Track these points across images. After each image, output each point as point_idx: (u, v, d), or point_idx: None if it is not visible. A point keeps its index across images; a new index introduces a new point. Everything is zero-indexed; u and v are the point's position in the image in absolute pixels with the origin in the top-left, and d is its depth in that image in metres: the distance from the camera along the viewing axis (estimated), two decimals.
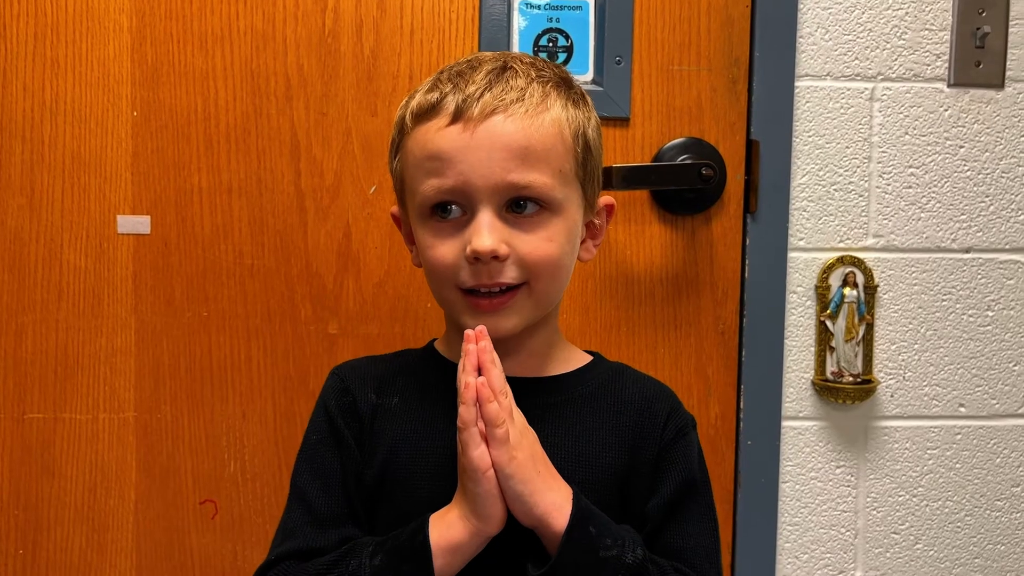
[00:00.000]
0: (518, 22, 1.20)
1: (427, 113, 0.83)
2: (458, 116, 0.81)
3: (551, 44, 1.21)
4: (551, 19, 1.21)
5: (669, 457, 0.88)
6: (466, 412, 0.77)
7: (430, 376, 0.91)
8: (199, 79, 1.16)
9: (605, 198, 0.92)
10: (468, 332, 0.80)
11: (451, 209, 0.83)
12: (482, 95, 0.81)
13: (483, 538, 0.79)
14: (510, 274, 0.82)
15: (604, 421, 0.88)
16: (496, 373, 0.79)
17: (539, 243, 0.82)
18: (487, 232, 0.80)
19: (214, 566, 1.21)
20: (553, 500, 0.78)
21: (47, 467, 1.18)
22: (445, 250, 0.83)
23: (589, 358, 0.94)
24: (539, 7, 1.20)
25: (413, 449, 0.86)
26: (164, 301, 1.18)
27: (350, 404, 0.89)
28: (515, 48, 1.20)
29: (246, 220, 1.18)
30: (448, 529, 0.78)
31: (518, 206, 0.82)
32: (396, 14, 1.18)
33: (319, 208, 1.18)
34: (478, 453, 0.76)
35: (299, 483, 0.89)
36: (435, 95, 0.83)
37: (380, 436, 0.88)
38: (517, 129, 0.81)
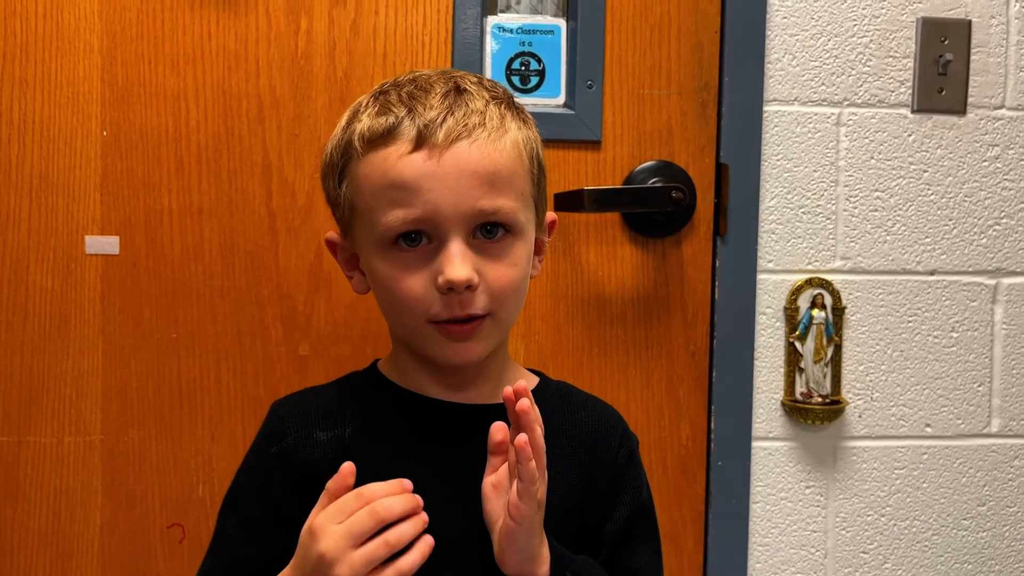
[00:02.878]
0: (490, 45, 1.21)
1: (383, 138, 0.80)
2: (421, 143, 0.79)
3: (523, 68, 1.22)
4: (523, 43, 1.22)
5: (623, 481, 0.90)
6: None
7: (385, 405, 0.88)
8: (170, 99, 1.16)
9: (549, 214, 0.92)
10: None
11: (418, 238, 0.81)
12: (444, 120, 0.79)
13: None
14: (480, 304, 0.81)
15: (561, 446, 0.87)
16: (540, 433, 0.76)
17: (505, 270, 0.82)
18: (460, 262, 0.79)
19: None
20: (543, 553, 0.78)
21: (10, 492, 1.16)
22: (414, 282, 0.80)
23: (536, 379, 0.94)
24: (511, 31, 1.21)
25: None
26: (132, 322, 1.17)
27: (287, 452, 0.84)
28: (488, 73, 1.21)
29: (216, 241, 1.17)
30: None
31: (486, 231, 0.81)
32: (369, 37, 1.18)
33: (290, 229, 1.18)
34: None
35: (221, 527, 0.86)
36: (389, 119, 0.80)
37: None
38: (483, 155, 0.80)
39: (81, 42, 1.14)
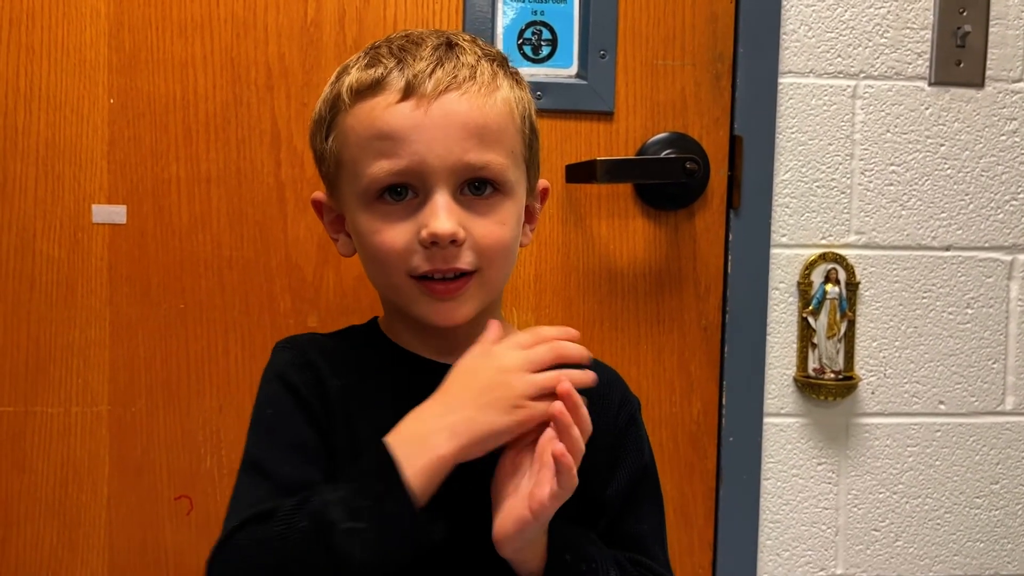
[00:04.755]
0: (502, 14, 1.19)
1: (370, 89, 0.78)
2: (409, 93, 0.77)
3: (535, 37, 1.21)
4: (535, 12, 1.20)
5: (624, 444, 0.88)
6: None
7: (384, 362, 0.86)
8: (178, 67, 1.14)
9: (541, 181, 0.90)
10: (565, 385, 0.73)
11: (404, 192, 0.78)
12: (433, 71, 0.77)
13: (460, 460, 0.73)
14: (466, 259, 0.79)
15: None
16: (577, 435, 0.73)
17: (493, 227, 0.80)
18: (445, 215, 0.76)
19: (189, 563, 1.18)
20: (542, 540, 0.77)
21: (17, 462, 1.16)
22: (394, 234, 0.78)
23: None
24: (523, 0, 1.20)
25: (372, 439, 0.79)
26: (140, 292, 1.16)
27: (316, 380, 0.82)
28: (499, 42, 1.19)
29: (225, 211, 1.16)
30: (422, 444, 0.72)
31: (474, 188, 0.79)
32: (380, 4, 1.17)
33: (299, 199, 1.17)
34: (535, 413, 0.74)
35: (258, 457, 0.79)
36: (378, 70, 0.78)
37: (342, 416, 0.82)
38: (473, 107, 0.78)
39: (88, 7, 1.13)
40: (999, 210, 1.29)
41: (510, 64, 0.85)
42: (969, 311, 1.29)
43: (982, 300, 1.29)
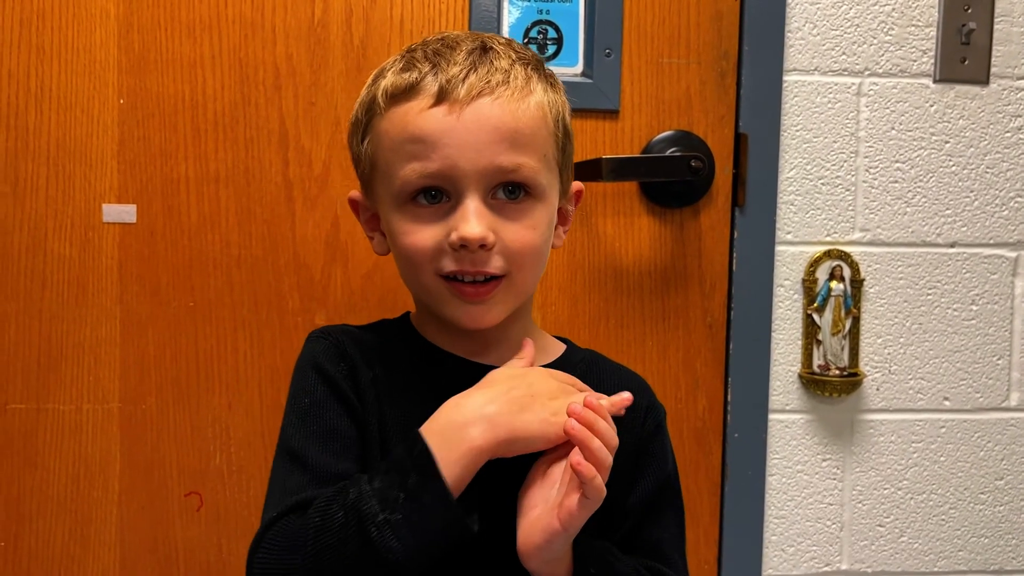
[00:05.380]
0: (508, 13, 1.20)
1: (405, 93, 0.80)
2: (442, 97, 0.78)
3: (541, 36, 1.21)
4: (541, 11, 1.21)
5: (649, 452, 0.88)
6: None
7: (415, 357, 0.87)
8: (187, 67, 1.15)
9: (575, 183, 0.91)
10: (575, 408, 0.74)
11: (437, 195, 0.80)
12: (467, 76, 0.78)
13: (490, 456, 0.74)
14: (495, 264, 0.80)
15: None
16: (599, 446, 0.74)
17: (523, 232, 0.80)
18: (475, 219, 0.77)
19: (199, 559, 1.20)
20: (569, 552, 0.77)
21: (30, 458, 1.17)
22: (424, 236, 0.80)
23: (563, 346, 0.93)
24: None
25: (403, 433, 0.81)
26: (150, 291, 1.17)
27: (351, 369, 0.83)
28: None
29: (233, 210, 1.17)
30: (460, 431, 0.74)
31: (507, 192, 0.80)
32: (386, 4, 1.17)
33: (307, 198, 1.18)
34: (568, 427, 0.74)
35: (294, 446, 0.80)
36: (412, 75, 0.80)
37: (375, 407, 0.83)
38: (505, 112, 0.78)
39: (98, 9, 1.14)
40: (1004, 207, 1.29)
41: (544, 66, 0.86)
42: (974, 307, 1.30)
43: (987, 296, 1.30)
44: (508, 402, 0.75)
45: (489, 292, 0.81)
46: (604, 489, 0.72)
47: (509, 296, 0.83)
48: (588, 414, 0.74)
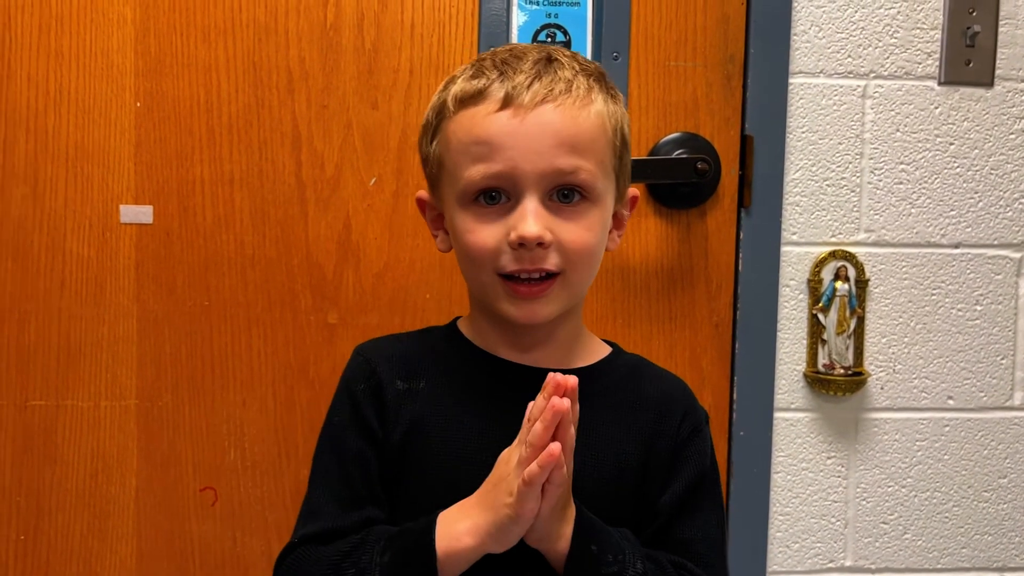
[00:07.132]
0: (517, 17, 1.22)
1: (473, 98, 0.84)
2: (507, 103, 0.82)
3: (549, 40, 1.23)
4: (549, 15, 1.23)
5: (683, 454, 0.90)
6: (539, 474, 0.74)
7: (457, 361, 0.91)
8: (202, 71, 1.18)
9: (631, 190, 0.94)
10: (554, 378, 0.76)
11: (498, 196, 0.83)
12: (532, 84, 0.82)
13: (485, 553, 0.80)
14: (552, 261, 0.83)
15: (622, 417, 0.89)
16: (571, 434, 0.76)
17: (580, 232, 0.84)
18: (533, 218, 0.81)
19: (214, 553, 1.22)
20: (562, 531, 0.80)
21: (49, 454, 1.20)
22: (486, 235, 0.83)
23: (609, 349, 0.95)
24: (538, 3, 1.22)
25: (441, 433, 0.86)
26: (166, 290, 1.20)
27: (375, 388, 0.88)
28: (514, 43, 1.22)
29: (247, 211, 1.20)
30: (455, 541, 0.79)
31: (563, 195, 0.83)
32: (397, 8, 1.19)
33: (320, 199, 1.20)
34: (532, 506, 0.76)
35: (321, 464, 0.89)
36: (481, 81, 0.84)
37: (405, 415, 0.87)
38: (566, 119, 0.82)
39: (115, 14, 1.16)
40: (1008, 208, 1.30)
41: (607, 78, 0.89)
42: (978, 308, 1.31)
43: (991, 297, 1.31)
44: (485, 503, 0.79)
45: (544, 290, 0.84)
46: (565, 478, 0.76)
47: (563, 294, 0.86)
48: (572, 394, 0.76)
